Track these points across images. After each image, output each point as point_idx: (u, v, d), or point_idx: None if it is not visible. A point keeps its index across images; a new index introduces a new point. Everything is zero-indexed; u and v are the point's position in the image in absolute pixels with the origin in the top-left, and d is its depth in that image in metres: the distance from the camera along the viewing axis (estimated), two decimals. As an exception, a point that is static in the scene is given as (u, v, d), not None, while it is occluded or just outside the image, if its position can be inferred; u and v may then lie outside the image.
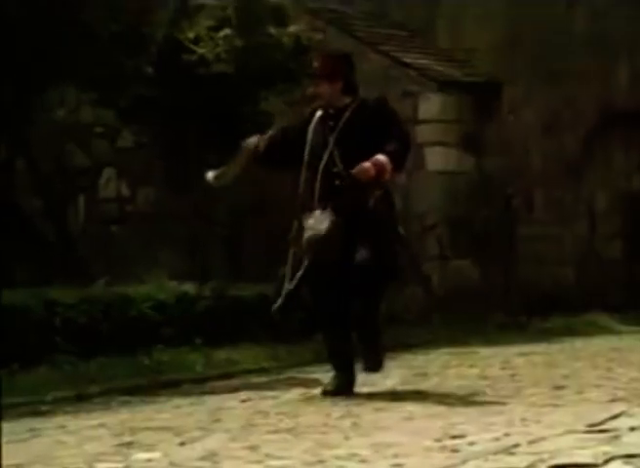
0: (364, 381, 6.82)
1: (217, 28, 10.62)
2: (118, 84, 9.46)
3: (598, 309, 12.50)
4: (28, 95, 9.30)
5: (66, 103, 10.42)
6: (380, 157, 6.38)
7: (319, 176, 6.54)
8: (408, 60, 12.17)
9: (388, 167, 6.39)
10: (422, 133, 11.89)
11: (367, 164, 6.37)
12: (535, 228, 13.31)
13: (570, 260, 13.61)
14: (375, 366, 6.63)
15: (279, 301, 6.64)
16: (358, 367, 6.62)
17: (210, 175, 6.82)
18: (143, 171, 11.82)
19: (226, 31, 10.59)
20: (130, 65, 9.35)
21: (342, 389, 6.48)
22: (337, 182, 6.52)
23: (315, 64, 6.92)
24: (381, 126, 6.57)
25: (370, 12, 12.81)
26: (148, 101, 9.97)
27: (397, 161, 6.50)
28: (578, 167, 13.76)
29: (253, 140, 6.76)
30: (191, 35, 10.48)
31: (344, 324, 6.57)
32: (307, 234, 6.47)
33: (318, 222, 6.47)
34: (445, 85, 12.07)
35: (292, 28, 11.05)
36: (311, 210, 6.54)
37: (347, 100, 6.67)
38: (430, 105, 11.92)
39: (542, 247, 13.24)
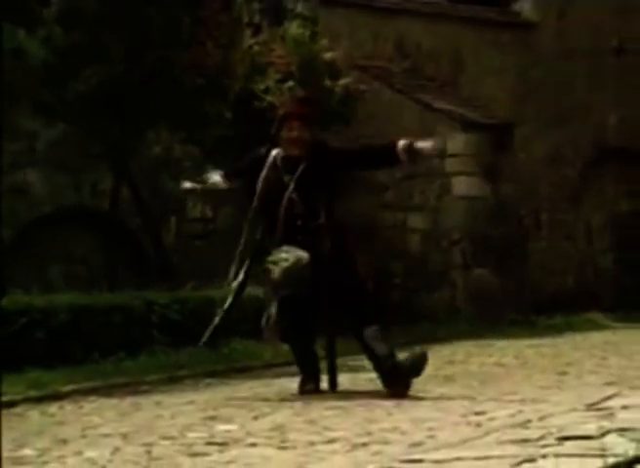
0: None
1: (282, 81, 10.67)
2: (203, 126, 9.53)
3: (594, 309, 12.40)
4: (131, 135, 9.40)
5: (161, 142, 10.48)
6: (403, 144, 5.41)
7: (280, 217, 5.52)
8: (438, 106, 12.17)
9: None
10: (450, 164, 11.87)
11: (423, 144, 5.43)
12: (542, 243, 13.26)
13: (571, 269, 13.53)
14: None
15: (207, 335, 5.84)
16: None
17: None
18: (223, 196, 11.86)
19: (290, 83, 10.64)
20: (212, 111, 9.41)
21: (317, 388, 5.86)
22: (299, 223, 5.54)
23: (294, 107, 5.58)
24: (339, 160, 5.57)
25: (407, 67, 12.84)
26: (227, 140, 10.02)
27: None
28: (577, 193, 13.70)
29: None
30: (262, 86, 10.53)
31: (308, 339, 5.88)
32: (285, 264, 5.43)
33: (293, 252, 5.45)
34: (467, 126, 12.04)
35: (343, 81, 11.09)
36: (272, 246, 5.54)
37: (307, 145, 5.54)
38: (456, 142, 11.90)
39: (548, 258, 13.19)
